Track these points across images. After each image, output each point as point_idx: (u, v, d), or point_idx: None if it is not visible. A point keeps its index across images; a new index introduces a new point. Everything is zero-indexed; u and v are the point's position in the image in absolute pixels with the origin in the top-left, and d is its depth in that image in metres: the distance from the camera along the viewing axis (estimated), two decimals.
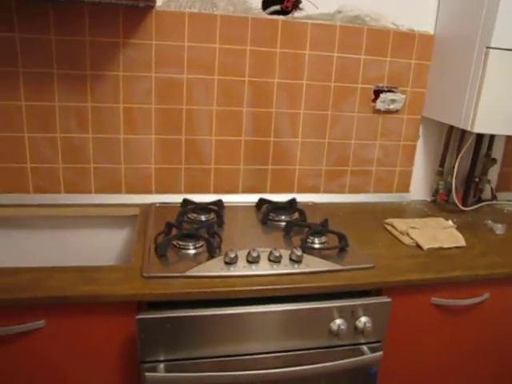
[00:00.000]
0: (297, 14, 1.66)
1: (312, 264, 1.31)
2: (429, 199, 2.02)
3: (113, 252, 1.70)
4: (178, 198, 1.69)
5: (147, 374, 1.15)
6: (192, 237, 1.38)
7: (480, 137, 1.94)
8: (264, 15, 1.64)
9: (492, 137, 2.00)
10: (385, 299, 1.30)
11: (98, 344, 1.20)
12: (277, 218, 1.61)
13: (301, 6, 1.66)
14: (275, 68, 1.69)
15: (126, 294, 1.15)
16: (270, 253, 1.31)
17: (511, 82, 1.59)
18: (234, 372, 1.20)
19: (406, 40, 1.78)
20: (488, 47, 1.54)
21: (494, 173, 2.09)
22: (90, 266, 1.25)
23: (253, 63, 1.66)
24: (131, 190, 1.71)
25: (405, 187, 1.98)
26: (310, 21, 1.68)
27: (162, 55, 1.59)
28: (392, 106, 1.82)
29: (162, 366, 1.18)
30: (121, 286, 1.17)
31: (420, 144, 1.94)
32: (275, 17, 1.65)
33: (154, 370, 1.17)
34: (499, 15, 1.50)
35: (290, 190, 1.83)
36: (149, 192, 1.72)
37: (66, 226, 1.63)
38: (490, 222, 1.79)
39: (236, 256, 1.28)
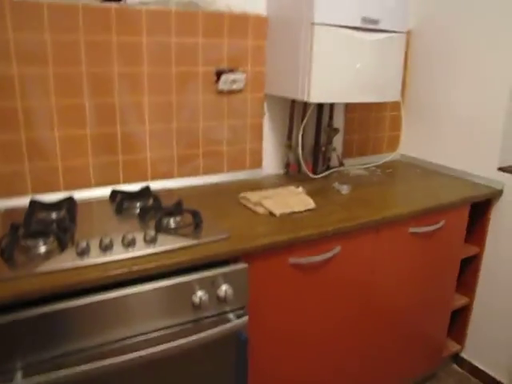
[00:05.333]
0: (130, 0, 1.65)
1: (167, 243, 1.32)
2: (282, 172, 2.13)
3: None
4: (25, 201, 1.59)
5: None
6: (42, 235, 1.31)
7: (321, 108, 2.08)
8: (95, 3, 1.60)
9: (332, 108, 2.16)
10: (242, 265, 1.35)
11: None
12: (131, 206, 1.59)
13: None
14: (113, 56, 1.66)
15: None
16: (123, 237, 1.30)
17: (337, 55, 1.73)
18: (102, 361, 1.17)
19: (240, 22, 1.85)
20: (312, 23, 1.66)
21: (338, 141, 2.27)
22: None
23: (89, 53, 1.62)
24: None
25: (257, 163, 2.06)
26: (143, 7, 1.67)
27: None
28: (234, 86, 1.89)
29: (19, 374, 1.11)
30: None
31: (267, 120, 2.04)
32: (107, 4, 1.61)
33: (10, 380, 1.10)
34: None
35: (143, 179, 1.82)
36: None
37: None
38: (336, 184, 1.94)
39: (87, 245, 1.25)
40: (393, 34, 1.84)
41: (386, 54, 1.84)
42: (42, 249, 1.28)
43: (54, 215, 1.50)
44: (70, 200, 1.59)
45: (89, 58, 1.62)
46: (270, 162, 2.10)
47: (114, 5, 1.63)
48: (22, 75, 1.54)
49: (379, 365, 1.93)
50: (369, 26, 1.76)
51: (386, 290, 1.81)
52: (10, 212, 1.57)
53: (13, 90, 1.54)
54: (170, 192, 1.79)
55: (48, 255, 1.25)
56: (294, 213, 1.62)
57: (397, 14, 1.83)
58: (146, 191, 1.67)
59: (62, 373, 1.13)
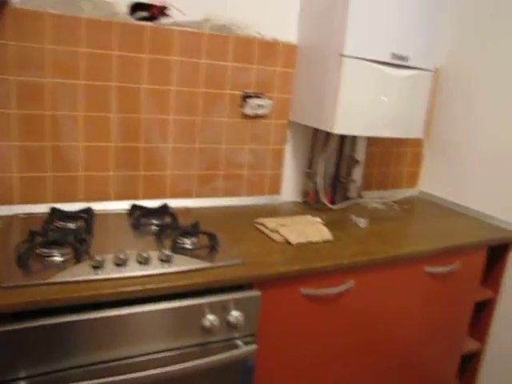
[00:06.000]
0: (164, 20, 1.68)
1: (182, 263, 1.32)
2: (300, 200, 2.12)
3: None
4: (45, 208, 1.61)
5: None
6: (57, 244, 1.32)
7: (343, 140, 2.09)
8: (131, 21, 1.63)
9: (354, 140, 2.16)
10: (255, 292, 1.34)
11: None
12: (148, 223, 1.59)
13: (169, 12, 1.68)
14: (143, 73, 1.68)
15: None
16: (138, 254, 1.30)
17: (364, 88, 1.74)
18: (107, 378, 1.16)
19: (270, 48, 1.88)
20: (341, 55, 1.67)
21: (358, 173, 2.26)
22: None
23: (120, 68, 1.64)
24: None
25: (276, 189, 2.06)
26: (177, 28, 1.70)
27: (22, 57, 1.51)
28: (259, 111, 1.90)
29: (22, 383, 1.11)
30: None
31: (288, 147, 2.04)
32: (143, 23, 1.65)
33: None
34: (349, 26, 1.64)
35: (162, 196, 1.83)
36: (10, 202, 1.61)
37: None
38: (354, 217, 1.93)
39: (103, 259, 1.25)
40: (420, 72, 1.84)
41: (413, 90, 1.85)
42: (58, 258, 1.29)
43: (71, 225, 1.50)
44: (89, 211, 1.59)
45: (119, 73, 1.65)
46: (289, 189, 2.10)
47: (149, 24, 1.66)
48: (53, 85, 1.57)
49: None
50: (398, 62, 1.77)
51: (397, 327, 1.78)
52: (29, 218, 1.58)
53: (42, 99, 1.57)
54: (187, 211, 1.80)
55: (63, 265, 1.25)
56: (311, 243, 1.61)
57: (425, 52, 1.84)
58: (164, 209, 1.67)
59: None
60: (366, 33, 1.68)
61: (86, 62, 1.60)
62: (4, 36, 1.48)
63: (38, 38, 1.52)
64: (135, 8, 1.65)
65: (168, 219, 1.63)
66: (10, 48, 1.50)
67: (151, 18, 1.67)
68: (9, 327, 1.07)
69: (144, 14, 1.66)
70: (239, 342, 1.35)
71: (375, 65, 1.73)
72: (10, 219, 1.56)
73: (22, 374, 1.11)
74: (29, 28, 1.50)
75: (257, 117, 1.91)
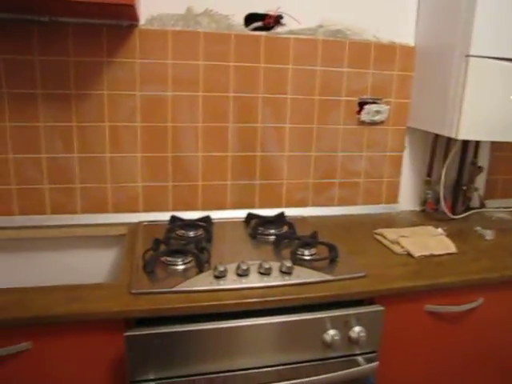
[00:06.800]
0: (279, 29, 1.68)
1: (302, 275, 1.30)
2: (418, 209, 2.02)
3: (101, 272, 1.68)
4: (165, 216, 1.67)
5: None
6: (180, 252, 1.36)
7: (465, 145, 1.95)
8: (247, 31, 1.65)
9: (477, 145, 2.02)
10: (378, 308, 1.28)
11: (87, 364, 1.17)
12: (266, 232, 1.59)
13: (283, 21, 1.68)
14: (259, 83, 1.70)
15: (113, 310, 1.13)
16: (260, 265, 1.30)
17: (491, 89, 1.61)
18: None
19: (387, 52, 1.80)
20: (467, 55, 1.56)
21: (481, 181, 2.11)
22: (76, 284, 1.23)
23: (237, 79, 1.67)
24: (118, 209, 1.69)
25: (393, 198, 1.98)
26: (292, 36, 1.69)
27: (147, 73, 1.60)
28: (377, 118, 1.83)
29: None
30: (108, 303, 1.14)
31: (406, 154, 1.95)
32: (258, 33, 1.66)
33: None
34: (476, 24, 1.53)
35: (278, 205, 1.83)
36: (136, 211, 1.70)
37: (51, 248, 1.61)
38: (479, 228, 1.79)
39: (225, 269, 1.27)
40: None
41: None
42: (181, 267, 1.33)
43: (191, 233, 1.54)
44: (208, 219, 1.63)
45: (236, 83, 1.67)
46: (407, 198, 2.01)
47: (263, 33, 1.66)
48: (175, 98, 1.63)
49: None
50: None
51: None
52: (152, 225, 1.65)
53: (166, 111, 1.64)
54: (303, 220, 1.78)
55: (186, 274, 1.29)
56: (434, 256, 1.51)
57: None
58: (281, 218, 1.67)
59: None
60: (493, 30, 1.56)
61: (204, 74, 1.64)
62: (133, 55, 1.57)
63: (161, 54, 1.59)
64: (250, 19, 1.66)
65: (285, 228, 1.62)
66: (137, 66, 1.58)
67: (266, 28, 1.67)
68: (139, 331, 1.11)
69: (259, 24, 1.67)
70: (360, 359, 1.30)
71: (503, 62, 1.59)
72: (134, 226, 1.64)
73: (152, 376, 1.15)
74: (152, 46, 1.58)
75: (374, 123, 1.85)
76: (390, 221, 1.86)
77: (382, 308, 1.28)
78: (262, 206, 1.81)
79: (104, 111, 1.60)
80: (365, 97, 1.82)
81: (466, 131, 1.63)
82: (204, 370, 1.18)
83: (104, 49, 1.54)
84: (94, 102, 1.58)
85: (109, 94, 1.59)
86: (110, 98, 1.59)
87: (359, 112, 1.82)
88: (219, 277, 1.26)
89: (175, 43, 1.59)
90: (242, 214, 1.74)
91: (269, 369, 1.23)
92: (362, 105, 1.82)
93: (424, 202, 2.00)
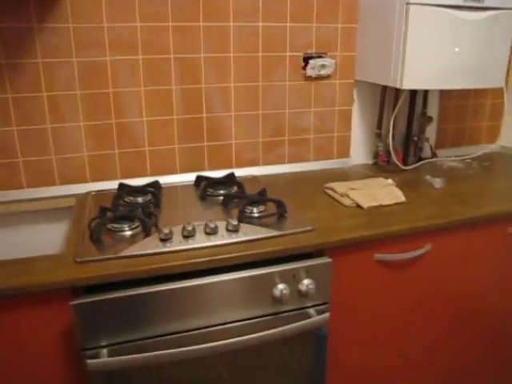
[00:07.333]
0: None
1: (250, 232, 1.30)
2: (370, 162, 2.04)
3: (53, 246, 1.64)
4: (114, 185, 1.63)
5: (89, 361, 1.11)
6: (127, 218, 1.34)
7: (414, 96, 1.96)
8: None
9: (426, 95, 2.03)
10: (326, 259, 1.30)
11: (37, 337, 1.16)
12: (215, 193, 1.58)
13: None
14: (200, 42, 1.66)
15: (58, 280, 1.11)
16: (206, 225, 1.29)
17: (434, 37, 1.61)
18: (180, 348, 1.17)
19: (330, 5, 1.78)
20: (408, 3, 1.55)
21: (431, 131, 2.13)
22: (19, 258, 1.20)
23: (177, 39, 1.63)
24: (65, 181, 1.65)
25: (345, 152, 1.99)
26: None
27: (82, 38, 1.53)
28: (323, 72, 1.82)
29: (104, 351, 1.15)
30: (53, 274, 1.12)
31: (356, 108, 1.95)
32: None
33: (97, 356, 1.14)
34: None
35: (228, 166, 1.81)
36: (84, 181, 1.66)
37: None
38: (428, 177, 1.82)
39: (171, 232, 1.26)
40: (499, 12, 1.67)
41: (491, 34, 1.68)
42: (128, 233, 1.31)
43: (140, 199, 1.53)
44: (156, 185, 1.61)
45: (177, 44, 1.63)
46: (358, 152, 2.01)
47: None
48: (114, 63, 1.59)
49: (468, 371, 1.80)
50: (471, 4, 1.61)
51: (480, 294, 1.68)
52: (101, 194, 1.63)
53: (106, 77, 1.59)
54: (254, 179, 1.77)
55: (133, 239, 1.27)
56: (383, 206, 1.53)
57: None
58: (230, 178, 1.66)
59: (142, 356, 1.14)
60: None
61: (142, 36, 1.59)
62: (66, 20, 1.51)
63: (95, 18, 1.53)
64: None
65: (235, 188, 1.61)
66: (71, 31, 1.52)
67: None
68: (86, 299, 1.10)
69: None
70: (311, 311, 1.32)
71: (445, 9, 1.59)
72: (84, 197, 1.61)
73: (103, 343, 1.15)
74: (85, 9, 1.52)
75: (320, 78, 1.84)
76: (343, 175, 1.87)
77: (329, 260, 1.30)
78: (212, 168, 1.79)
79: (40, 80, 1.54)
80: (310, 51, 1.79)
81: (410, 80, 1.63)
82: (157, 332, 1.19)
83: (32, 13, 1.47)
84: (28, 71, 1.52)
85: (44, 63, 1.53)
86: (45, 67, 1.53)
87: (305, 67, 1.80)
88: (165, 239, 1.25)
89: (109, 5, 1.53)
90: (192, 177, 1.73)
91: (222, 327, 1.24)
92: (307, 60, 1.79)
93: (376, 155, 2.01)
